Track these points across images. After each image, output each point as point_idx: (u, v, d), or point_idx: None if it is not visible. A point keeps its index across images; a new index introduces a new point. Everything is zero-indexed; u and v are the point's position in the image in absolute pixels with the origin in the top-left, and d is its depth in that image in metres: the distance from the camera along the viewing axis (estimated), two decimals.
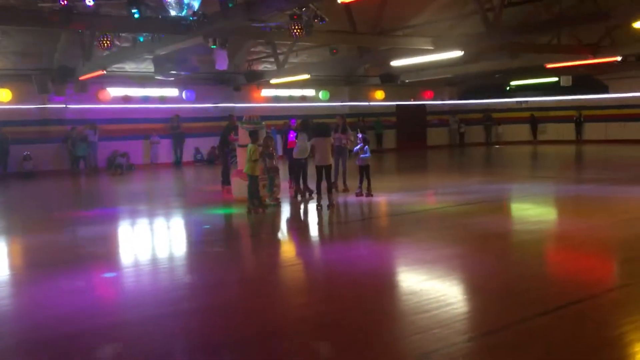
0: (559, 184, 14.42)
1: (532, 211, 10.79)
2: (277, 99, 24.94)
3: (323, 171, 11.12)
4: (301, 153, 12.25)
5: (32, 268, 7.46)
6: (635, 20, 13.60)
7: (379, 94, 27.68)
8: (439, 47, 14.95)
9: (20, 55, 18.35)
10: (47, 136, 20.13)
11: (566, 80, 24.41)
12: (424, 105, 29.81)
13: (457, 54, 15.45)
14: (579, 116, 28.60)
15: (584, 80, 25.93)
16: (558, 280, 6.27)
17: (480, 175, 17.50)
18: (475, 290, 5.98)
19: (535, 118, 30.12)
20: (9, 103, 19.26)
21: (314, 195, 12.08)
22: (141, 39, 13.95)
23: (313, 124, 12.37)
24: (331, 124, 12.94)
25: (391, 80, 24.41)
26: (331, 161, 11.50)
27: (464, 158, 25.01)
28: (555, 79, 24.98)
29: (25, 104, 19.52)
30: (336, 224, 10.26)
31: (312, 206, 11.32)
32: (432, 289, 5.79)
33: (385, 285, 6.19)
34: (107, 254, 8.22)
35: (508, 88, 28.36)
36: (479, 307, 5.46)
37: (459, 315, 5.09)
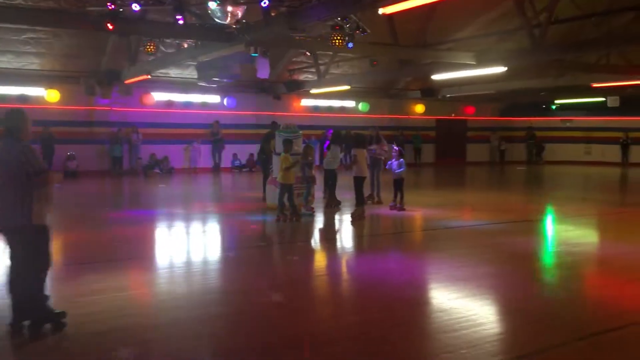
0: (602, 206, 13.99)
1: (572, 233, 10.47)
2: (316, 109, 25.03)
3: (362, 182, 11.06)
4: (329, 164, 12.23)
5: (68, 265, 7.59)
6: None
7: (419, 108, 27.50)
8: (482, 63, 14.77)
9: (70, 58, 18.91)
10: (91, 137, 20.66)
11: (613, 101, 23.79)
12: (464, 120, 29.47)
13: (500, 69, 15.23)
14: (626, 138, 27.77)
15: (632, 101, 25.20)
16: (596, 305, 6.03)
17: (520, 194, 17.14)
18: (509, 311, 5.81)
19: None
20: (56, 103, 19.85)
21: (340, 207, 12.05)
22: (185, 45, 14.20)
23: (351, 135, 12.35)
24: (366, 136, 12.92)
25: (432, 95, 24.23)
26: (367, 173, 11.44)
27: (503, 176, 24.56)
28: (602, 99, 24.37)
29: (72, 105, 20.10)
30: (368, 236, 10.18)
31: (345, 217, 11.25)
32: (463, 307, 5.65)
33: (415, 300, 6.07)
34: (141, 255, 8.33)
35: (554, 107, 27.77)
36: (512, 329, 5.30)
37: (490, 336, 4.94)
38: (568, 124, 29.28)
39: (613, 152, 28.10)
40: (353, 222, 10.74)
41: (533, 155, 29.91)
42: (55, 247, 9.01)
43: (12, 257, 4.93)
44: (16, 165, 4.72)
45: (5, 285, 5.08)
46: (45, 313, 4.95)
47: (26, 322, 4.88)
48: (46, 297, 5.03)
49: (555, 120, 29.61)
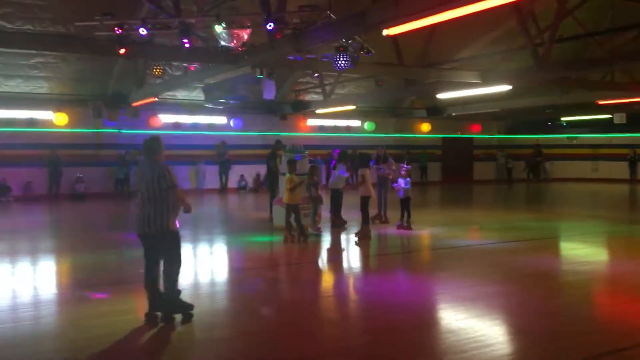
0: (609, 224, 13.90)
1: (581, 251, 10.40)
2: (322, 128, 25.14)
3: (367, 201, 11.06)
4: (334, 183, 12.24)
5: (77, 288, 7.61)
6: None
7: (425, 127, 27.56)
8: (487, 81, 14.82)
9: (77, 81, 19.15)
10: (99, 159, 20.81)
11: (620, 118, 23.77)
12: (470, 138, 29.49)
13: (505, 88, 15.27)
14: (634, 155, 27.67)
15: (639, 118, 25.17)
16: (605, 324, 5.97)
17: (527, 212, 17.07)
18: (517, 331, 5.76)
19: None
20: (65, 126, 20.04)
21: (346, 227, 12.05)
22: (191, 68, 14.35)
23: (357, 155, 12.37)
24: (372, 155, 12.98)
25: (437, 113, 24.32)
26: (372, 192, 11.45)
27: (510, 193, 24.48)
28: (608, 115, 24.35)
29: (80, 128, 20.28)
30: (375, 256, 10.13)
31: (352, 237, 11.23)
32: (471, 328, 5.61)
33: (422, 321, 6.03)
34: None
35: (564, 124, 27.73)
36: (520, 349, 5.25)
37: (499, 357, 4.89)
38: (574, 141, 29.22)
39: (621, 169, 27.99)
40: (358, 242, 10.73)
41: (541, 173, 29.81)
42: (63, 270, 9.08)
43: (149, 258, 5.85)
44: (157, 181, 5.67)
45: (145, 280, 5.92)
46: (178, 305, 5.82)
47: (159, 313, 5.75)
48: (179, 292, 5.92)
49: (561, 137, 29.56)
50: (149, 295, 5.82)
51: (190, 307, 5.88)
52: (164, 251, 5.82)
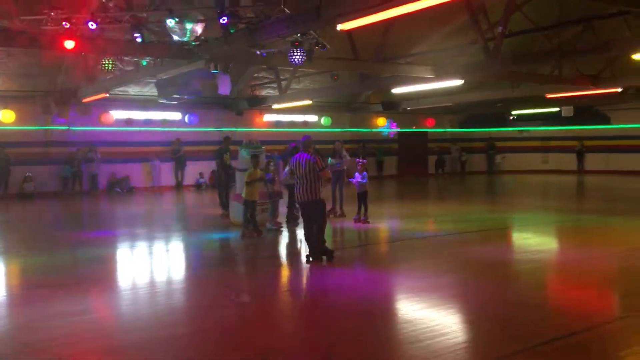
0: (559, 214, 14.36)
1: (531, 240, 10.71)
2: (279, 124, 25.07)
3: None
4: (287, 179, 12.16)
5: (27, 289, 7.40)
6: (635, 52, 13.73)
7: (381, 121, 27.81)
8: (439, 76, 15.07)
9: (24, 77, 18.53)
10: (48, 158, 20.19)
11: (567, 111, 24.54)
12: (425, 132, 29.92)
13: (457, 82, 15.57)
14: (581, 147, 28.63)
15: (586, 111, 26.05)
16: (556, 311, 6.18)
17: (480, 204, 17.46)
18: (471, 320, 5.90)
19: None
20: (12, 124, 19.36)
21: (300, 222, 12.04)
22: (144, 63, 14.05)
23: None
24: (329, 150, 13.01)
25: (393, 108, 24.56)
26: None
27: (464, 186, 24.98)
28: (556, 109, 25.11)
29: (28, 125, 19.63)
30: (332, 250, 10.17)
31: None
32: (426, 318, 5.71)
33: (379, 313, 6.10)
34: (102, 277, 8.15)
35: (512, 117, 28.42)
36: (474, 337, 5.38)
37: (453, 345, 4.99)
38: (525, 134, 30.03)
39: (569, 161, 28.93)
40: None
41: (492, 165, 30.52)
42: (14, 271, 8.80)
43: (309, 220, 8.53)
44: (311, 167, 8.39)
45: (307, 237, 8.58)
46: (325, 251, 8.48)
47: (311, 257, 8.40)
48: (324, 241, 8.58)
49: (512, 130, 30.34)
50: (309, 245, 8.57)
51: (332, 252, 8.52)
52: (317, 215, 8.47)
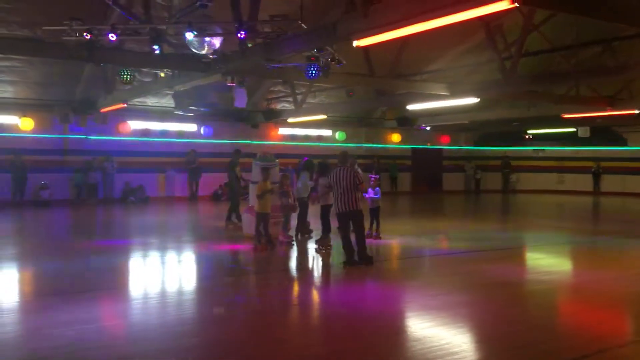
0: (573, 235, 14.20)
1: (545, 261, 10.61)
2: (294, 137, 25.16)
3: (328, 210, 11.05)
4: (299, 192, 12.19)
5: (39, 296, 7.46)
6: None
7: (395, 137, 27.80)
8: (455, 93, 15.06)
9: (44, 86, 18.79)
10: (65, 166, 20.41)
11: (584, 131, 24.32)
12: (440, 149, 29.86)
13: (473, 100, 15.53)
14: (597, 168, 28.38)
15: (602, 132, 25.81)
16: (568, 332, 6.11)
17: (494, 222, 17.33)
18: (481, 339, 5.85)
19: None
20: (30, 132, 19.63)
21: (312, 235, 12.03)
22: (162, 74, 14.22)
23: (318, 164, 12.17)
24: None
25: (407, 124, 24.54)
26: (332, 201, 11.42)
27: (478, 204, 24.82)
28: (573, 129, 24.92)
29: (46, 133, 19.90)
30: (343, 265, 10.14)
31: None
32: (436, 336, 5.67)
33: (389, 330, 6.07)
34: (113, 286, 8.20)
35: (528, 136, 28.27)
36: (484, 357, 5.33)
37: None
38: (541, 154, 29.83)
39: (585, 181, 28.66)
40: (318, 251, 10.70)
41: (508, 184, 30.30)
42: (25, 279, 8.88)
43: (347, 229, 9.35)
44: (352, 180, 9.18)
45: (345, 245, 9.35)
46: (366, 257, 9.28)
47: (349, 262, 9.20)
48: (365, 248, 9.37)
49: (528, 150, 30.17)
50: (346, 252, 9.33)
51: (371, 258, 9.33)
52: (359, 223, 9.34)
